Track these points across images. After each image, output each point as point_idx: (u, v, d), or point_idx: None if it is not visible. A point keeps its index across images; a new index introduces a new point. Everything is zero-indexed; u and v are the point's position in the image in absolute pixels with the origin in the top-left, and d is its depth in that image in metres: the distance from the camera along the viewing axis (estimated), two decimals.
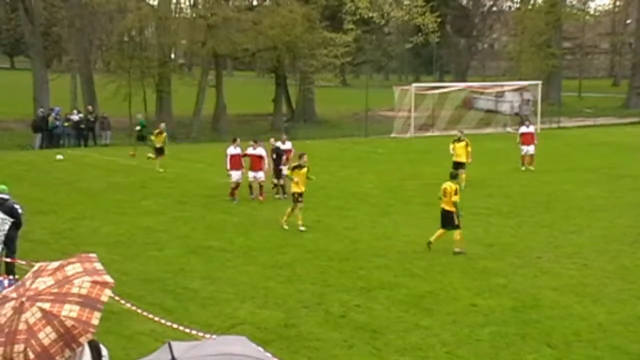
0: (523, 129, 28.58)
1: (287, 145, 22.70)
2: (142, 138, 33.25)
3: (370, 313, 12.18)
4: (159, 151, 27.43)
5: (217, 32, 40.39)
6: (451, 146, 24.37)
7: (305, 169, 18.53)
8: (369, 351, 10.63)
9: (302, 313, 12.16)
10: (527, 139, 27.97)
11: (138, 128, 34.35)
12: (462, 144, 24.01)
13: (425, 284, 13.83)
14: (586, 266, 15.08)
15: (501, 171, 27.66)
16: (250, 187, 21.55)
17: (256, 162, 21.50)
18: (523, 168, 27.66)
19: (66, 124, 36.15)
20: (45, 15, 43.98)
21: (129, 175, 26.32)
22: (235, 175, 21.40)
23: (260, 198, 21.35)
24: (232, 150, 21.64)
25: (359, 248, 16.41)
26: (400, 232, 17.90)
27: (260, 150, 21.55)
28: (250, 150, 21.63)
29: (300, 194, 18.18)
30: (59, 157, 29.99)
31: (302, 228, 17.80)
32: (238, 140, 21.89)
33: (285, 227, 17.89)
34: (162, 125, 28.57)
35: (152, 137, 28.01)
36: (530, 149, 27.84)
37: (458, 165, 23.37)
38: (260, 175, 21.47)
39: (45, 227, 18.17)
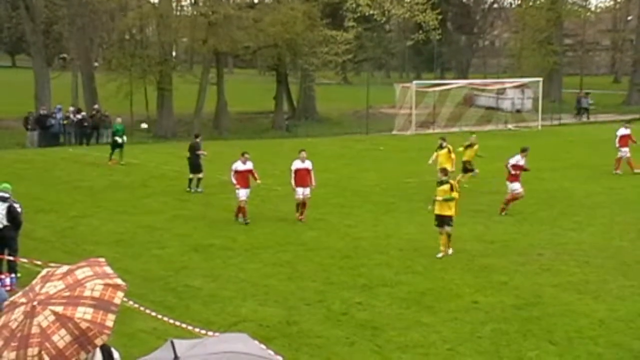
0: (622, 131, 26.88)
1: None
2: (117, 145, 28.68)
3: (371, 310, 12.21)
4: (468, 167, 23.77)
5: (218, 30, 40.36)
6: (433, 155, 22.53)
7: (447, 186, 15.57)
8: (370, 348, 10.66)
9: (303, 310, 12.19)
10: (625, 141, 26.62)
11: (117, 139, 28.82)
12: (444, 151, 22.15)
13: (426, 281, 13.86)
14: (587, 263, 15.10)
15: (502, 168, 27.62)
16: (298, 205, 18.89)
17: (304, 177, 18.82)
18: (619, 172, 26.11)
19: (65, 122, 36.13)
20: (46, 13, 43.94)
21: (130, 174, 26.35)
22: (243, 193, 18.58)
23: (302, 218, 18.86)
24: (240, 165, 18.64)
25: (361, 245, 16.43)
26: (401, 230, 17.92)
27: (308, 164, 18.91)
28: (298, 164, 18.91)
29: (445, 218, 15.42)
30: (144, 125, 27.67)
31: (439, 255, 15.40)
32: (248, 154, 18.90)
33: (439, 255, 15.40)
34: (474, 137, 24.32)
35: (461, 149, 23.59)
36: (628, 151, 26.45)
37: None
38: (308, 191, 18.92)
39: (46, 226, 18.21)
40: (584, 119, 49.87)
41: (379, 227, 18.20)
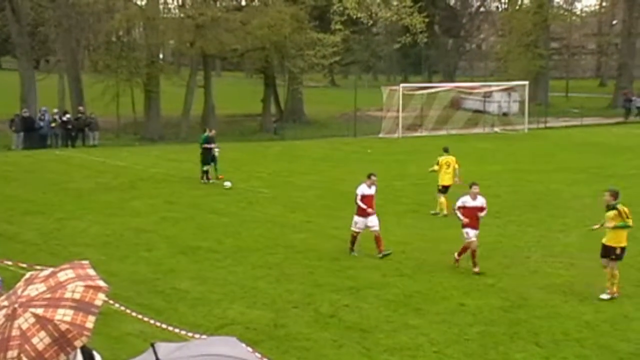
0: None
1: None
2: (211, 159, 25.14)
3: (359, 313, 12.21)
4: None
5: (205, 32, 40.27)
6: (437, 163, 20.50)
7: (614, 211, 13.10)
8: (358, 351, 10.66)
9: (291, 313, 12.17)
10: None
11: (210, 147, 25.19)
12: (449, 158, 20.43)
13: (414, 283, 13.89)
14: (574, 265, 15.18)
15: (489, 171, 27.75)
16: (471, 252, 14.98)
17: (474, 217, 15.05)
18: None
19: (53, 124, 35.96)
20: (33, 15, 43.70)
21: (117, 176, 26.24)
22: (362, 222, 15.87)
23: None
24: (366, 189, 15.95)
25: (349, 248, 16.42)
26: (389, 232, 17.89)
27: (481, 201, 15.20)
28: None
29: (613, 249, 13.08)
30: (227, 184, 23.88)
31: (604, 296, 13.10)
32: (374, 177, 16.12)
33: (605, 297, 13.12)
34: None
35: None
36: None
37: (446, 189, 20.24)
38: (475, 233, 14.99)
39: (33, 228, 18.10)
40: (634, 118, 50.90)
41: (366, 230, 18.18)
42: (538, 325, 11.71)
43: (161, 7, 43.57)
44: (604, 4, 73.47)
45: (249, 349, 5.61)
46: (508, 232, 18.05)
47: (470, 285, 13.76)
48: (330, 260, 15.42)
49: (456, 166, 20.46)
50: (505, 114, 49.62)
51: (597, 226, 13.49)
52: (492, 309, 12.42)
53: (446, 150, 20.84)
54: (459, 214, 14.98)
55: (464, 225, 14.92)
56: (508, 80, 49.93)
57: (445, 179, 20.28)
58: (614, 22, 74.31)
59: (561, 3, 65.94)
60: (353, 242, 16.01)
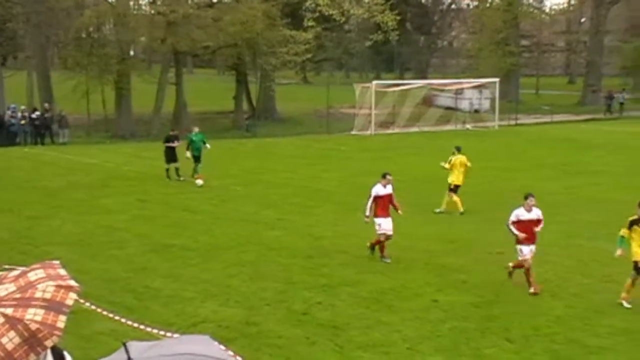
0: None
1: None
2: (196, 158, 24.60)
3: (332, 310, 12.22)
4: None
5: (176, 29, 40.04)
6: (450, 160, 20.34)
7: None
8: (331, 348, 10.66)
9: (264, 311, 12.15)
10: None
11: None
12: (462, 158, 20.20)
13: (387, 280, 13.92)
14: (546, 261, 15.30)
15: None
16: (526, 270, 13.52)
17: (530, 231, 13.63)
18: None
19: (22, 121, 35.55)
20: (0, 10, 43.14)
21: (89, 174, 26.00)
22: (386, 224, 15.32)
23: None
24: (381, 189, 15.43)
25: (322, 245, 16.45)
26: (362, 229, 17.93)
27: (537, 213, 13.80)
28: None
29: None
30: (199, 182, 23.74)
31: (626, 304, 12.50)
32: (389, 176, 15.61)
33: (626, 305, 12.44)
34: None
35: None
36: None
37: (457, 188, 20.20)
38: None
39: (3, 227, 17.86)
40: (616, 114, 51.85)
41: (340, 227, 18.23)
42: (509, 320, 11.81)
43: (132, 3, 43.24)
44: (572, 2, 74.22)
45: (222, 347, 5.59)
46: (481, 229, 18.17)
47: (443, 282, 13.84)
48: (304, 257, 15.41)
49: (468, 164, 20.43)
50: (476, 111, 50.00)
51: (620, 252, 12.61)
52: (464, 305, 12.50)
53: (458, 150, 20.65)
54: (513, 229, 13.51)
55: (518, 242, 13.58)
56: (479, 77, 50.33)
57: (459, 178, 20.24)
58: (582, 20, 75.09)
59: (531, 1, 66.55)
60: (382, 250, 15.27)
